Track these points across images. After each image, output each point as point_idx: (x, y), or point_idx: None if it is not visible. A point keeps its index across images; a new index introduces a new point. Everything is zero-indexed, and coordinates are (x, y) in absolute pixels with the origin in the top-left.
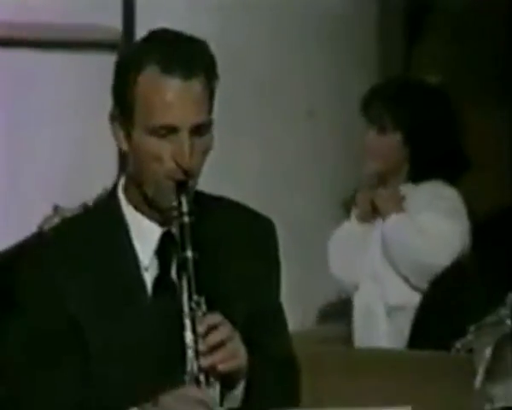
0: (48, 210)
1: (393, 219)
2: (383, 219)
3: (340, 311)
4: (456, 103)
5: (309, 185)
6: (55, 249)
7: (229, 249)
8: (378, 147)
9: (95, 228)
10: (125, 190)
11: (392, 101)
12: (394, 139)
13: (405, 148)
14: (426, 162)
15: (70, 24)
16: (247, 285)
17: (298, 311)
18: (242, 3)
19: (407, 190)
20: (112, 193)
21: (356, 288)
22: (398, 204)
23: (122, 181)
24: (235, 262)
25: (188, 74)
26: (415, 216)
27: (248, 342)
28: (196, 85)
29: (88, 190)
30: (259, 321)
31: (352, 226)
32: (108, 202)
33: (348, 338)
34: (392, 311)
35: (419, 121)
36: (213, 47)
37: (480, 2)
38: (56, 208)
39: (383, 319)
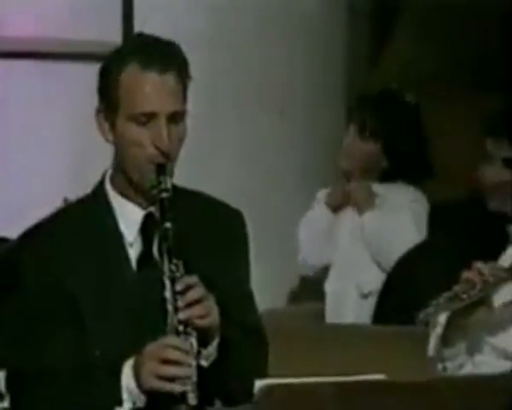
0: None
1: (370, 215)
2: (359, 213)
3: (311, 292)
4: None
5: (281, 178)
6: (51, 235)
7: (202, 238)
8: (358, 151)
9: (85, 213)
10: (112, 179)
11: (379, 113)
12: (375, 146)
13: (383, 154)
14: (399, 167)
15: (79, 40)
16: (219, 270)
17: (271, 291)
18: (220, 7)
19: (377, 188)
20: (99, 184)
21: (325, 270)
22: (372, 201)
23: (108, 173)
24: (207, 250)
25: (163, 69)
26: (390, 214)
27: (221, 318)
28: (171, 79)
29: None
30: (231, 300)
31: (321, 214)
32: (96, 191)
33: (320, 316)
34: (363, 295)
35: (398, 133)
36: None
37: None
38: (66, 200)
39: (354, 301)
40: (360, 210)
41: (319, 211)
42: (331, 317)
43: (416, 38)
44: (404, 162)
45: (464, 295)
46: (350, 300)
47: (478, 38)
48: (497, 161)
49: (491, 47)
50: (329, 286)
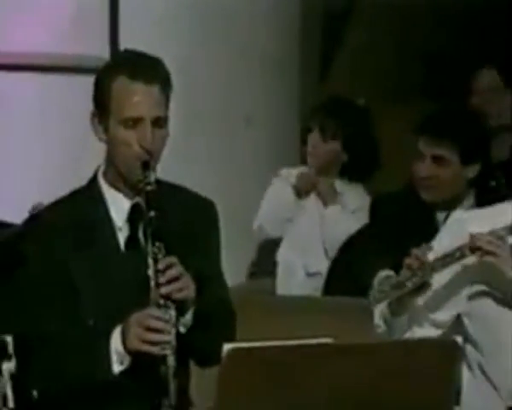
0: None
1: (333, 208)
2: (324, 205)
3: (266, 270)
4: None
5: (246, 177)
6: (51, 220)
7: (180, 224)
8: (322, 150)
9: (81, 201)
10: (104, 173)
11: (337, 117)
12: (335, 145)
13: (343, 151)
14: (356, 161)
15: (71, 54)
16: (195, 252)
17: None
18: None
19: (338, 184)
20: (93, 177)
21: (277, 239)
22: (336, 198)
23: (101, 168)
24: (185, 234)
25: (148, 80)
26: (348, 213)
27: (196, 293)
28: (155, 89)
29: None
30: (205, 278)
31: (285, 192)
32: (90, 183)
33: (272, 290)
34: (309, 274)
35: (354, 132)
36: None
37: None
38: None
39: (301, 277)
40: (324, 203)
41: (284, 189)
42: (281, 288)
43: (365, 49)
44: (360, 157)
45: (408, 283)
46: (298, 275)
47: (424, 45)
48: (428, 157)
49: (437, 54)
50: (281, 256)
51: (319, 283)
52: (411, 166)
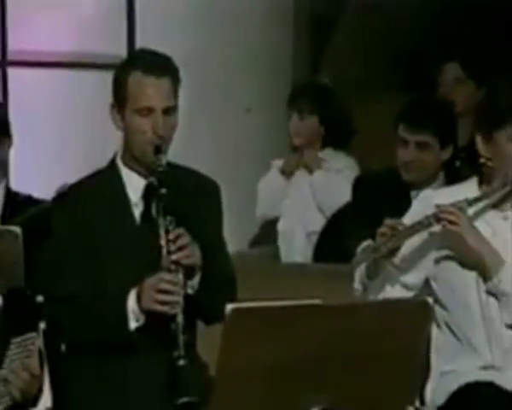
0: None
1: (318, 173)
2: (309, 172)
3: (268, 238)
4: (355, 94)
5: (243, 160)
6: (77, 196)
7: (188, 200)
8: (303, 128)
9: (102, 180)
10: (122, 157)
11: (310, 96)
12: (313, 121)
13: (320, 126)
14: (332, 132)
15: (92, 52)
16: (201, 225)
17: (237, 238)
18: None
19: (322, 155)
20: (112, 160)
21: (277, 218)
22: (319, 164)
23: (119, 152)
24: (192, 209)
25: (160, 75)
26: (332, 175)
27: (202, 260)
28: (165, 82)
29: None
30: (209, 247)
31: (276, 177)
32: (109, 166)
33: (274, 256)
34: (310, 234)
35: (327, 107)
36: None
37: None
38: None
39: (301, 239)
40: (310, 171)
41: (274, 175)
42: (284, 254)
43: (352, 45)
44: (335, 127)
45: (383, 247)
46: (297, 238)
47: (407, 41)
48: (412, 143)
49: (419, 49)
50: (281, 226)
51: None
52: (395, 150)
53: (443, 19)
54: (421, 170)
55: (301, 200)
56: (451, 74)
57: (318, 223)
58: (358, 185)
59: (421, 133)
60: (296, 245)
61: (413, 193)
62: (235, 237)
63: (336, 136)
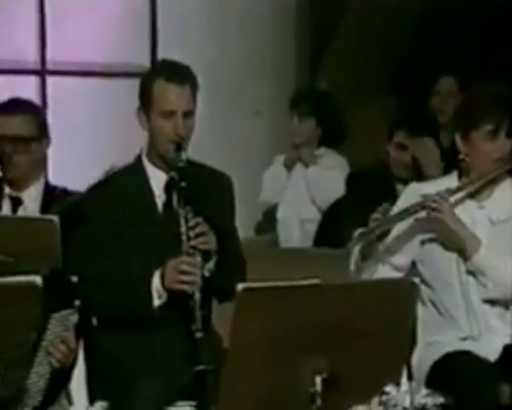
0: None
1: (313, 168)
2: (305, 167)
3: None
4: (343, 99)
5: (251, 156)
6: (107, 188)
7: (204, 193)
8: (302, 128)
9: (129, 174)
10: (147, 154)
11: (310, 100)
12: (310, 123)
13: (316, 127)
14: (327, 135)
15: (120, 63)
16: (216, 214)
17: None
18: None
19: (317, 153)
20: (138, 156)
21: (278, 204)
22: (315, 160)
23: (144, 150)
24: (208, 201)
25: (180, 82)
26: (325, 171)
27: (217, 245)
28: (185, 89)
29: None
30: (223, 234)
31: (278, 169)
32: (136, 162)
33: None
34: (303, 222)
35: (324, 110)
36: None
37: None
38: (113, 164)
39: (297, 226)
40: (306, 165)
41: (277, 167)
42: (282, 240)
43: (349, 54)
44: (331, 129)
45: (375, 230)
46: (292, 225)
47: (398, 52)
48: (410, 148)
49: (408, 59)
50: (279, 214)
51: (310, 228)
52: (387, 150)
53: (435, 30)
54: (414, 169)
55: (297, 191)
56: (446, 87)
57: (311, 212)
58: (351, 180)
59: (419, 138)
60: (292, 231)
61: (399, 186)
62: (243, 226)
63: (331, 137)
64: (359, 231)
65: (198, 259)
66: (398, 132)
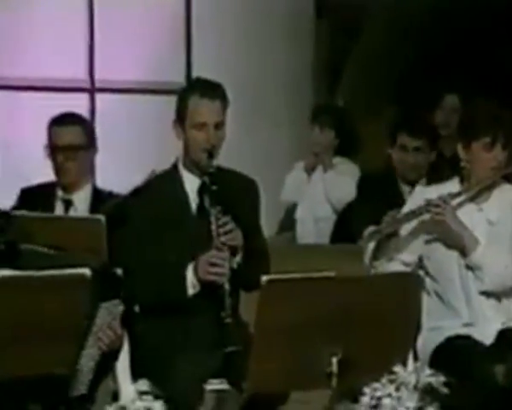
0: None
1: (330, 173)
2: (325, 172)
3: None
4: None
5: (277, 159)
6: (147, 191)
7: (233, 195)
8: (322, 139)
9: (166, 179)
10: (182, 161)
11: (330, 114)
12: (330, 134)
13: (335, 138)
14: (343, 146)
15: (158, 81)
16: (243, 215)
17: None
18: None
19: (334, 160)
20: (174, 164)
21: (297, 205)
22: (331, 166)
23: (180, 157)
24: (236, 203)
25: (212, 98)
26: (341, 176)
27: (244, 242)
28: (216, 103)
29: None
30: (250, 232)
31: (300, 174)
32: (172, 168)
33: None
34: (318, 220)
35: (342, 124)
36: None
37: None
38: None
39: (312, 225)
40: (325, 170)
41: (298, 172)
42: (299, 237)
43: (360, 75)
44: (346, 140)
45: (385, 230)
46: (310, 223)
47: (403, 70)
48: (410, 149)
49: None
50: (298, 214)
51: (324, 226)
52: (392, 155)
53: (439, 50)
54: (416, 169)
55: (314, 193)
56: (450, 103)
57: (325, 212)
58: (362, 183)
59: (418, 140)
60: (308, 229)
61: (404, 188)
62: (266, 225)
63: (346, 147)
64: (369, 229)
65: (227, 253)
66: (399, 135)
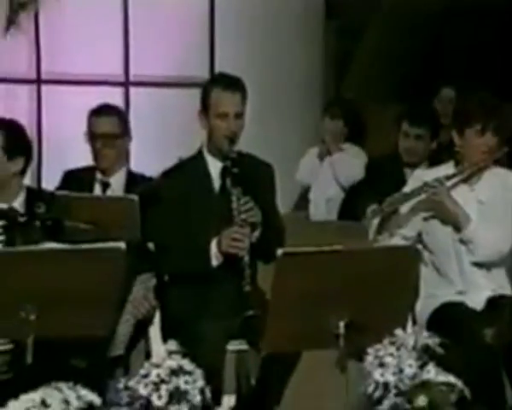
0: None
1: (337, 155)
2: (332, 154)
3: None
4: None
5: (290, 145)
6: (176, 173)
7: (252, 177)
8: (332, 127)
9: (193, 163)
10: (207, 147)
11: (339, 106)
12: (339, 123)
13: (344, 127)
14: (351, 133)
15: (184, 75)
16: (261, 194)
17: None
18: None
19: (344, 146)
20: (199, 150)
21: (310, 185)
22: (340, 151)
23: (205, 143)
24: (255, 184)
25: (233, 90)
26: (350, 157)
27: (262, 218)
28: (237, 96)
29: None
30: (267, 210)
31: (312, 158)
32: (197, 153)
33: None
34: (329, 200)
35: (349, 113)
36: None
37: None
38: (181, 158)
39: (323, 204)
40: (333, 153)
41: (311, 156)
42: (312, 215)
43: (367, 71)
44: (354, 129)
45: (387, 209)
46: (321, 203)
47: (406, 67)
48: (412, 136)
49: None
50: (311, 195)
51: (334, 205)
52: (398, 141)
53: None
54: (417, 154)
55: (325, 177)
56: (447, 96)
57: (335, 192)
58: (369, 167)
59: (418, 128)
60: (320, 208)
61: (407, 171)
62: (281, 204)
63: (354, 134)
64: (372, 207)
65: (247, 229)
66: (402, 124)
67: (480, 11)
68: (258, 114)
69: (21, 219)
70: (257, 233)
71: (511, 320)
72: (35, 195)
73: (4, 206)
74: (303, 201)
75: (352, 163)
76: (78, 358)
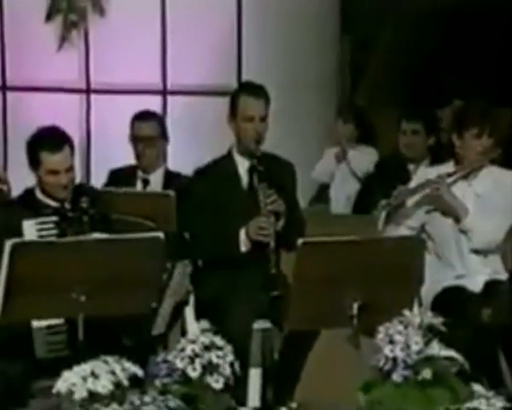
0: None
1: (353, 152)
2: (346, 155)
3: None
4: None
5: (308, 146)
6: (207, 171)
7: (275, 175)
8: (345, 130)
9: (223, 162)
10: (236, 147)
11: (351, 110)
12: (351, 127)
13: (355, 130)
14: (364, 133)
15: (212, 83)
16: (284, 189)
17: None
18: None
19: (357, 146)
20: (228, 150)
21: (330, 182)
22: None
23: (234, 145)
24: (279, 181)
25: (258, 97)
26: (363, 154)
27: (286, 211)
28: (261, 101)
29: None
30: (289, 203)
31: (330, 159)
32: (227, 154)
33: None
34: (347, 198)
35: (361, 117)
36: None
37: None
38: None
39: (343, 201)
40: (347, 153)
41: (328, 156)
42: (334, 209)
43: (377, 79)
44: (365, 131)
45: (393, 202)
46: (340, 199)
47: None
48: (409, 132)
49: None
50: (331, 192)
51: (349, 203)
52: (398, 140)
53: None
54: (415, 149)
55: (343, 176)
56: (457, 106)
57: (353, 190)
58: (378, 167)
59: (414, 124)
60: (339, 204)
61: (410, 166)
62: (301, 199)
63: (365, 137)
64: (382, 202)
65: (272, 219)
66: (401, 122)
67: (486, 21)
68: (280, 118)
69: (71, 215)
70: (281, 222)
71: (507, 302)
72: (81, 190)
73: (55, 204)
74: (319, 196)
75: (365, 158)
76: (126, 337)
